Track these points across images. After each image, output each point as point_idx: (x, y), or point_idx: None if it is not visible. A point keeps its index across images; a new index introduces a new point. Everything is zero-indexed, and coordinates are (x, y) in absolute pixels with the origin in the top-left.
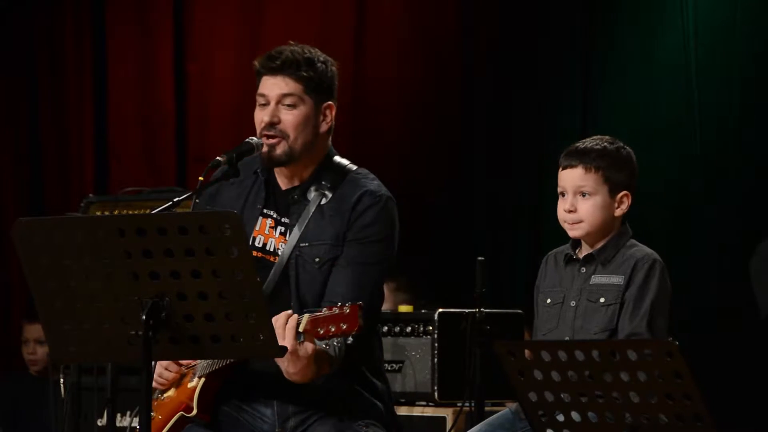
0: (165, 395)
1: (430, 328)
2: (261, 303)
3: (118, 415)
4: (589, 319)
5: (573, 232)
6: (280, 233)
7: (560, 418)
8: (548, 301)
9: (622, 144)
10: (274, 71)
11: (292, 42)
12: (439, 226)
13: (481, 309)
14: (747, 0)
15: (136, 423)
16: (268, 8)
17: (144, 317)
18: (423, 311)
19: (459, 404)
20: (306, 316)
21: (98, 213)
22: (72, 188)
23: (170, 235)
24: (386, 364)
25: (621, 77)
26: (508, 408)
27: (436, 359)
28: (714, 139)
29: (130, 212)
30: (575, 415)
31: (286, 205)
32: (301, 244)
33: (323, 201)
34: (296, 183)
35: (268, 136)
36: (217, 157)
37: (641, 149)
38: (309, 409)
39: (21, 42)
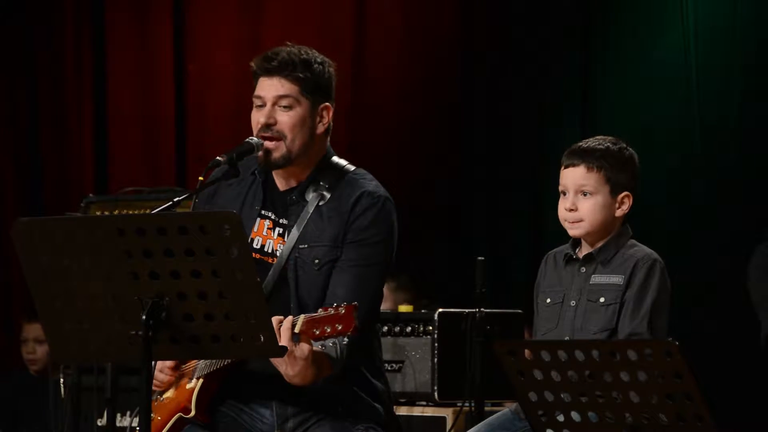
0: (164, 396)
1: (430, 328)
2: (261, 303)
3: (118, 415)
4: (589, 318)
5: (573, 231)
6: (279, 234)
7: (560, 418)
8: (548, 300)
9: (625, 144)
10: (270, 72)
11: (289, 43)
12: (439, 226)
13: (481, 309)
14: (747, 0)
15: (135, 423)
16: (268, 8)
17: (144, 317)
18: (423, 311)
19: (459, 404)
20: (301, 317)
21: (98, 213)
22: (72, 188)
23: (170, 235)
24: (386, 364)
25: (621, 77)
26: (508, 408)
27: (436, 359)
28: (714, 139)
29: (130, 212)
30: (575, 415)
31: (284, 206)
32: (300, 246)
33: (321, 202)
34: (294, 184)
35: (266, 138)
36: (217, 157)
37: (641, 149)
38: (308, 411)
39: (21, 42)
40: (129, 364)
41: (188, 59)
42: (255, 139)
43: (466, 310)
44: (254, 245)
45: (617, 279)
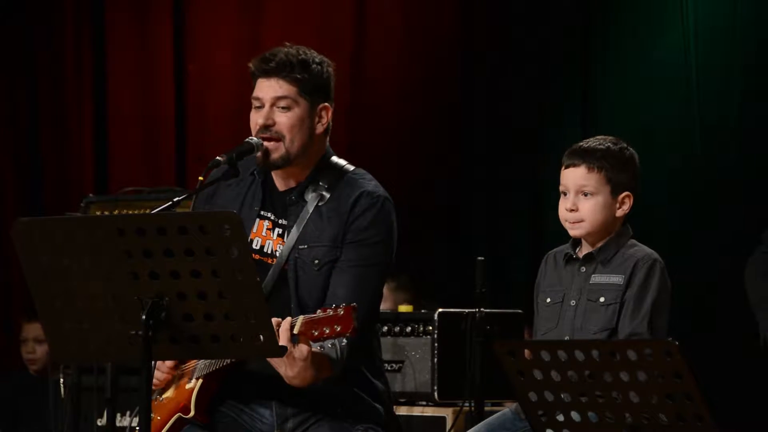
0: (163, 396)
1: (430, 328)
2: (261, 303)
3: (118, 415)
4: (589, 318)
5: (574, 231)
6: (278, 235)
7: (560, 418)
8: (548, 300)
9: (625, 144)
10: (268, 73)
11: (287, 43)
12: (438, 226)
13: (481, 309)
14: (747, 0)
15: (135, 423)
16: (268, 8)
17: (144, 317)
18: (423, 311)
19: (459, 404)
20: (300, 318)
21: (98, 213)
22: (72, 188)
23: (170, 235)
24: (386, 364)
25: (621, 77)
26: (508, 408)
27: (436, 359)
28: (714, 139)
29: (130, 212)
30: (575, 415)
31: (283, 207)
32: (300, 246)
33: (321, 202)
34: (293, 184)
35: (265, 138)
36: (217, 157)
37: (641, 149)
38: (308, 411)
39: (21, 42)
40: (129, 364)
41: (188, 59)
42: (255, 139)
43: (466, 310)
44: (254, 246)
45: (617, 279)
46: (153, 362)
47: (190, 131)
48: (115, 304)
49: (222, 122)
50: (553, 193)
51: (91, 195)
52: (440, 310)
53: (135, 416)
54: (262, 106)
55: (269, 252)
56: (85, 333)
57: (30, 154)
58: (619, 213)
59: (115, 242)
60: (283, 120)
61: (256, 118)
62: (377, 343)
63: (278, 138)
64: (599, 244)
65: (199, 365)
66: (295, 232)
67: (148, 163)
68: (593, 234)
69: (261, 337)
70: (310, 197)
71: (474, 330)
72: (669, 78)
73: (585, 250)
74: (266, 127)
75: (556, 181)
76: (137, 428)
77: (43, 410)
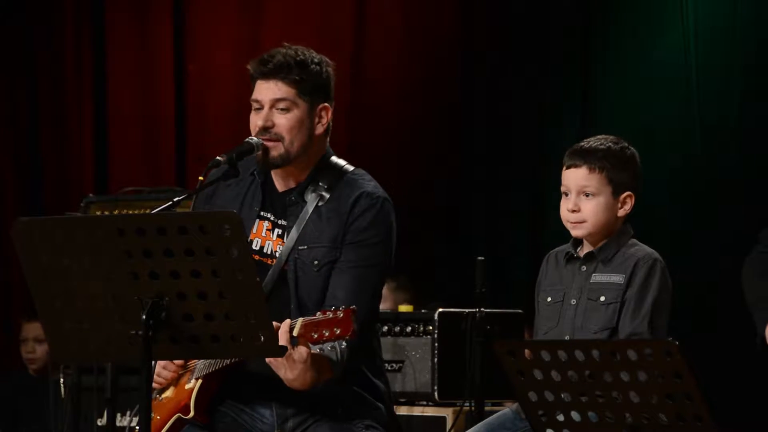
0: (163, 396)
1: (430, 328)
2: (261, 303)
3: (118, 415)
4: (589, 317)
5: (576, 232)
6: (278, 236)
7: (560, 418)
8: (548, 299)
9: (626, 144)
10: (266, 75)
11: (286, 44)
12: (438, 226)
13: (481, 309)
14: (747, 0)
15: (135, 423)
16: (268, 8)
17: (144, 317)
18: (423, 311)
19: (459, 404)
20: (300, 320)
21: (98, 213)
22: (72, 188)
23: (170, 235)
24: (386, 364)
25: (621, 77)
26: (508, 408)
27: (436, 359)
28: (714, 139)
29: (130, 212)
30: (575, 415)
31: (283, 207)
32: (299, 247)
33: (321, 202)
34: (293, 185)
35: (265, 140)
36: (217, 157)
37: (641, 149)
38: (308, 411)
39: (21, 42)
40: (129, 364)
41: (188, 59)
42: (255, 139)
43: (466, 310)
44: (253, 246)
45: (618, 278)
46: (153, 362)
47: (190, 131)
48: (115, 304)
49: (222, 122)
50: (553, 193)
51: (91, 195)
52: (440, 310)
53: (135, 416)
54: (261, 108)
55: (269, 252)
56: (85, 333)
57: (30, 154)
58: (621, 213)
59: (115, 242)
60: (282, 122)
61: (256, 120)
62: (377, 343)
63: (277, 139)
64: (600, 244)
65: (199, 365)
66: (294, 233)
67: (148, 163)
68: (595, 234)
69: (261, 336)
70: (310, 198)
71: (474, 330)
72: (669, 78)
73: (586, 249)
74: (265, 129)
75: (556, 181)
76: (137, 428)
77: (43, 410)
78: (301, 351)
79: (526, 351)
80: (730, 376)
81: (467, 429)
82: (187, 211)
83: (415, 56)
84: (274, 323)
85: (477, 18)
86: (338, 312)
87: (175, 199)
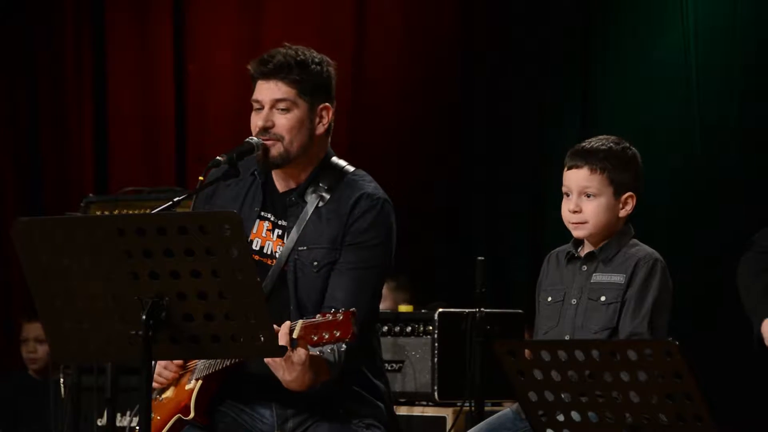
0: (163, 396)
1: (430, 328)
2: (261, 303)
3: (118, 415)
4: (590, 317)
5: (577, 232)
6: (278, 236)
7: (560, 418)
8: (549, 299)
9: (627, 144)
10: (266, 76)
11: (287, 44)
12: (438, 226)
13: (481, 309)
14: (747, 0)
15: (135, 423)
16: (268, 8)
17: (144, 317)
18: (423, 311)
19: (459, 404)
20: (299, 323)
21: (98, 213)
22: (72, 188)
23: (170, 235)
24: (386, 364)
25: (621, 77)
26: (509, 408)
27: (436, 359)
28: (714, 139)
29: (130, 212)
30: (575, 415)
31: (283, 208)
32: (299, 248)
33: (321, 203)
34: (293, 185)
35: (265, 140)
36: (217, 157)
37: (641, 149)
38: (308, 411)
39: (21, 42)
40: (129, 364)
41: (188, 59)
42: (255, 139)
43: (466, 310)
44: (253, 247)
45: (618, 278)
46: (153, 362)
47: (190, 131)
48: (115, 304)
49: (222, 122)
50: (553, 193)
51: (91, 195)
52: (440, 310)
53: (135, 416)
54: (261, 108)
55: (269, 253)
56: (85, 333)
57: (30, 154)
58: (622, 213)
59: (115, 242)
60: (283, 122)
61: (256, 120)
62: (378, 343)
63: (277, 140)
64: (601, 244)
65: (199, 366)
66: (294, 234)
67: (148, 163)
68: (596, 235)
69: (261, 336)
70: (310, 198)
71: (474, 330)
72: (669, 78)
73: (587, 249)
74: (265, 129)
75: (557, 181)
76: (137, 428)
77: (43, 410)
78: (300, 353)
79: (526, 351)
80: (730, 376)
81: (467, 429)
82: (187, 211)
83: (415, 56)
84: (274, 326)
85: (477, 18)
86: (338, 314)
87: (175, 199)
